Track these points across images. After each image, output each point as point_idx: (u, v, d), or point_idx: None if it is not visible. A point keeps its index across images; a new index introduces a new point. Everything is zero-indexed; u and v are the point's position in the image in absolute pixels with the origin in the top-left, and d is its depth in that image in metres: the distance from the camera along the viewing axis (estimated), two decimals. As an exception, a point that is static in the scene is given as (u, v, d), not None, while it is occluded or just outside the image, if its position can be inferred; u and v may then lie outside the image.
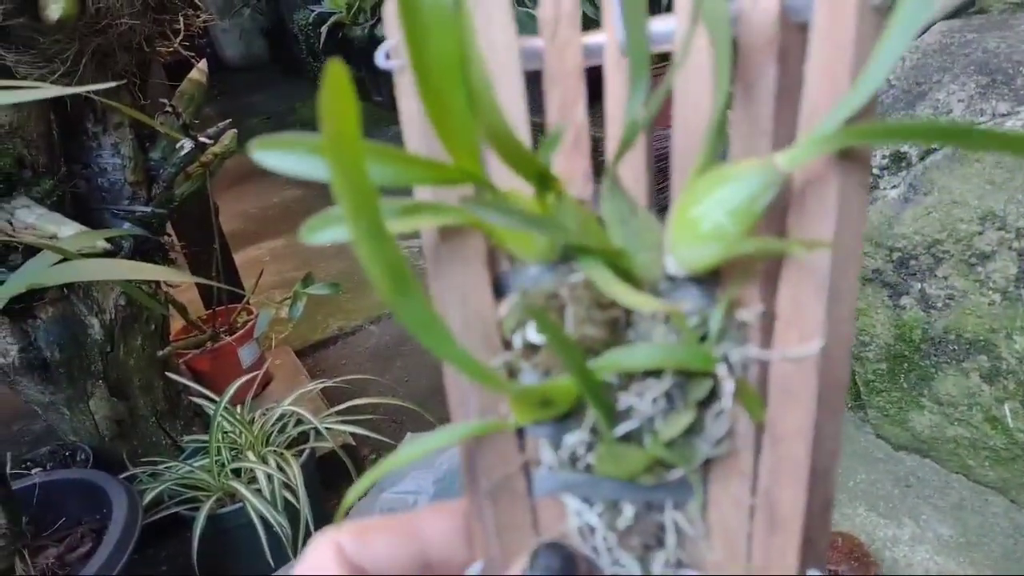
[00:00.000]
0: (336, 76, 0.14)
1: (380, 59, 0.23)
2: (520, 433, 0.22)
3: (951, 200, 1.03)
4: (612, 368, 0.20)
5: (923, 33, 1.17)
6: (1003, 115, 0.98)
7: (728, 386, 0.20)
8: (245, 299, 1.64)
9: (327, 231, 0.21)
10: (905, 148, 1.09)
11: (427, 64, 0.16)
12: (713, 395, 0.20)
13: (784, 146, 0.19)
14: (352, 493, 0.22)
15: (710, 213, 0.19)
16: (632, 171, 0.22)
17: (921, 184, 1.07)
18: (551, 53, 0.23)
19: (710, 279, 0.20)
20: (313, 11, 4.09)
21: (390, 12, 0.22)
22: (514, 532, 0.22)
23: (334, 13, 3.76)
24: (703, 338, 0.20)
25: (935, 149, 1.06)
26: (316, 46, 4.39)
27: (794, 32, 0.20)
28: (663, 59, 0.23)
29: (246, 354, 1.55)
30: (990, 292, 1.03)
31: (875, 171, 1.13)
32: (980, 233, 1.02)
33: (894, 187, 1.11)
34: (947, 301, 1.09)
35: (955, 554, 1.08)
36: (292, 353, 1.76)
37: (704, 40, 0.21)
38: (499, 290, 0.22)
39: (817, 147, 0.18)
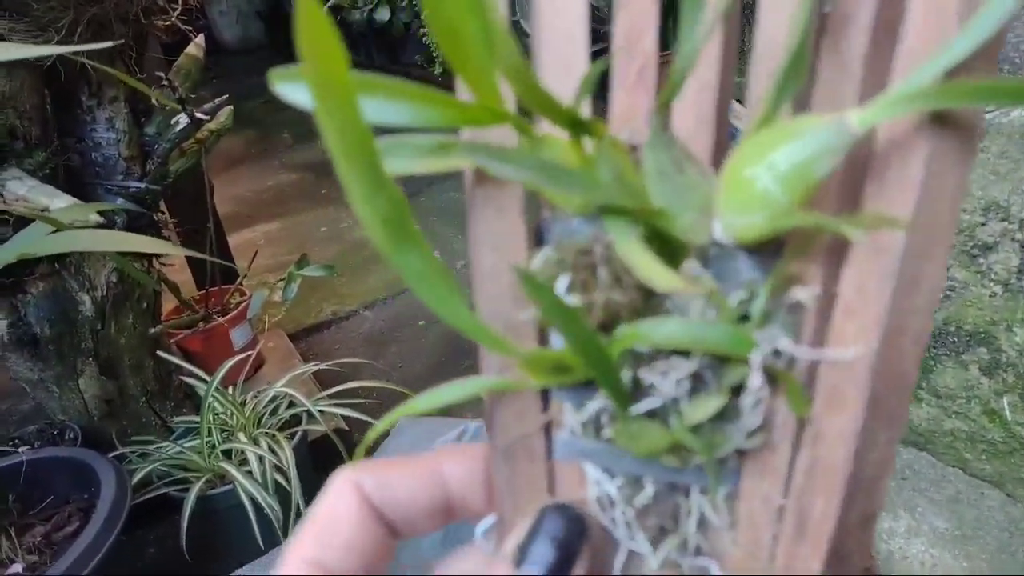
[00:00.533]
0: (310, 8, 0.13)
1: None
2: (545, 393, 0.21)
3: (956, 191, 1.02)
4: (634, 339, 0.18)
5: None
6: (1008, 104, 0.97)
7: (756, 378, 0.18)
8: (239, 280, 1.62)
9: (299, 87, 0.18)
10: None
11: (439, 5, 0.15)
12: (742, 380, 0.18)
13: (873, 97, 0.16)
14: (372, 433, 0.22)
15: (761, 176, 0.16)
16: (695, 114, 0.19)
17: (925, 174, 1.06)
18: None
19: (768, 250, 0.17)
20: (311, -5, 4.06)
21: None
22: (528, 492, 0.21)
23: (332, -4, 3.73)
24: (745, 317, 0.18)
25: (941, 139, 1.05)
26: (313, 30, 4.36)
27: None
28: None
29: (238, 336, 1.53)
30: (991, 284, 1.03)
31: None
32: (983, 224, 1.01)
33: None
34: (947, 292, 1.08)
35: (950, 547, 1.07)
36: (285, 336, 1.74)
37: None
38: (540, 239, 0.20)
39: (905, 104, 0.15)
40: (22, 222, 1.04)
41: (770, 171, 0.16)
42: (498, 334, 0.20)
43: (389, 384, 1.29)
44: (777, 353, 0.18)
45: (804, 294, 0.17)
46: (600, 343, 0.18)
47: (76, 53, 1.07)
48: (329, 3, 3.63)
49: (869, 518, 0.19)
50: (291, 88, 0.17)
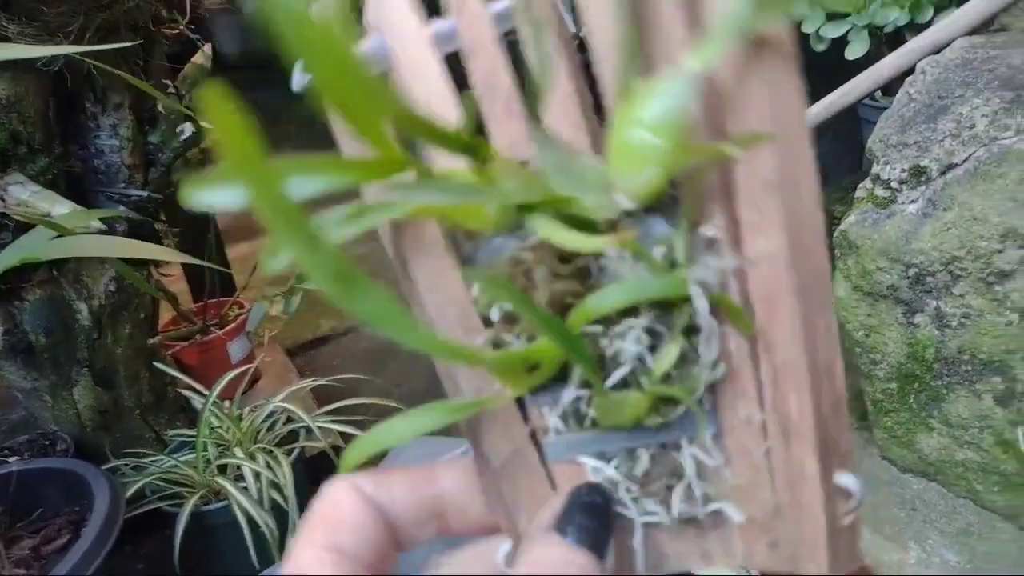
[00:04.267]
0: (217, 103, 0.14)
1: (295, 83, 0.23)
2: (521, 404, 0.22)
3: (971, 216, 1.01)
4: (586, 317, 0.19)
5: (944, 48, 1.16)
6: (1028, 132, 0.96)
7: (701, 304, 0.19)
8: (237, 293, 1.60)
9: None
10: (925, 162, 1.07)
11: (318, 72, 0.16)
12: (694, 319, 0.20)
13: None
14: (348, 461, 0.21)
15: (638, 134, 0.18)
16: (566, 116, 0.21)
17: (940, 199, 1.05)
18: (464, 28, 0.22)
19: (671, 205, 0.20)
20: (316, 12, 4.08)
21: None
22: (536, 502, 0.22)
23: (338, 14, 3.74)
24: (673, 265, 0.19)
25: (956, 164, 1.04)
26: (317, 47, 4.37)
27: None
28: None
29: (236, 349, 1.50)
30: (1008, 312, 1.01)
31: (893, 185, 1.11)
32: (1000, 251, 0.99)
33: (912, 202, 1.08)
34: (963, 320, 1.06)
35: (963, 580, 1.05)
36: (282, 351, 1.72)
37: None
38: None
39: (726, 40, 0.17)
40: (21, 228, 1.02)
41: (647, 127, 0.18)
42: (465, 346, 0.21)
43: (389, 401, 1.27)
44: (704, 285, 0.19)
45: (712, 230, 0.19)
46: (562, 322, 0.19)
47: (83, 57, 1.06)
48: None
49: (839, 402, 0.20)
50: (209, 194, 0.17)
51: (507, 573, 0.21)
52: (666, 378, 0.20)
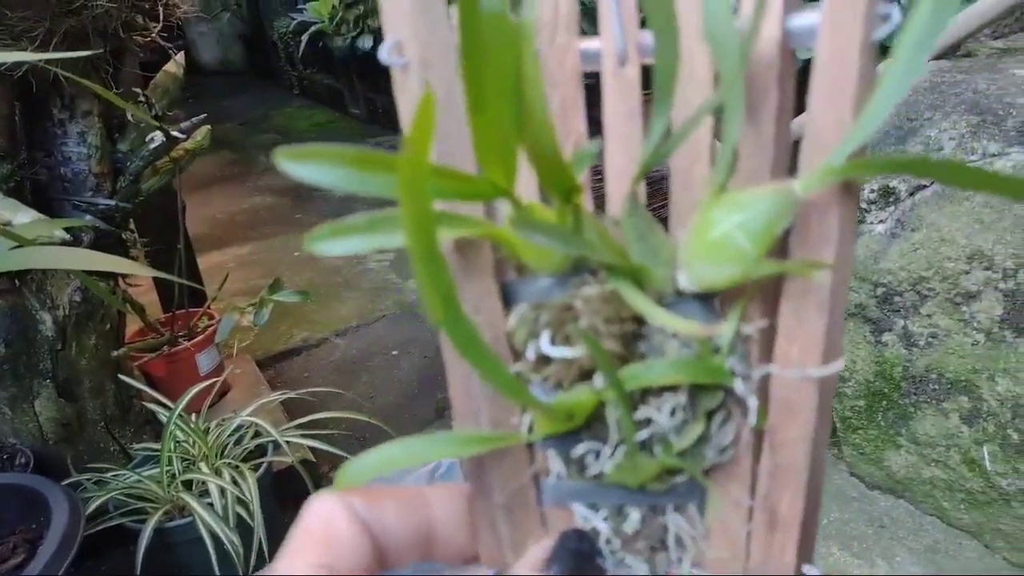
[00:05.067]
0: (426, 107, 0.15)
1: (383, 55, 0.22)
2: (528, 446, 0.22)
3: (939, 237, 1.02)
4: (635, 383, 0.20)
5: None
6: (993, 155, 0.98)
7: (752, 403, 0.20)
8: (207, 303, 1.57)
9: (339, 242, 0.20)
10: (894, 183, 1.09)
11: (482, 80, 0.16)
12: (720, 406, 0.21)
13: (780, 166, 0.21)
14: (344, 479, 0.21)
15: (732, 237, 0.19)
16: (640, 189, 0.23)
17: (909, 220, 1.06)
18: (549, 57, 0.23)
19: (709, 296, 0.21)
20: (294, 19, 4.05)
21: (387, 9, 0.22)
22: (528, 539, 0.22)
23: (316, 22, 3.73)
24: (715, 351, 0.21)
25: (924, 185, 1.05)
26: (295, 55, 4.34)
27: (789, 57, 0.20)
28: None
29: (204, 360, 1.48)
30: (974, 332, 1.02)
31: (863, 205, 1.12)
32: (967, 272, 1.01)
33: (881, 222, 1.10)
34: (930, 339, 1.08)
35: (929, 599, 1.06)
36: (253, 363, 1.69)
37: (704, 59, 0.21)
38: (505, 299, 0.22)
39: (828, 177, 0.19)
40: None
41: (743, 231, 0.19)
42: (526, 390, 0.21)
43: (360, 415, 1.25)
44: (747, 380, 0.21)
45: (752, 328, 0.21)
46: (622, 384, 0.20)
47: (50, 64, 1.04)
48: (311, 30, 3.63)
49: (817, 504, 0.22)
50: (297, 166, 0.19)
51: None
52: (680, 453, 0.21)
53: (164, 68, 1.33)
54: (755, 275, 0.20)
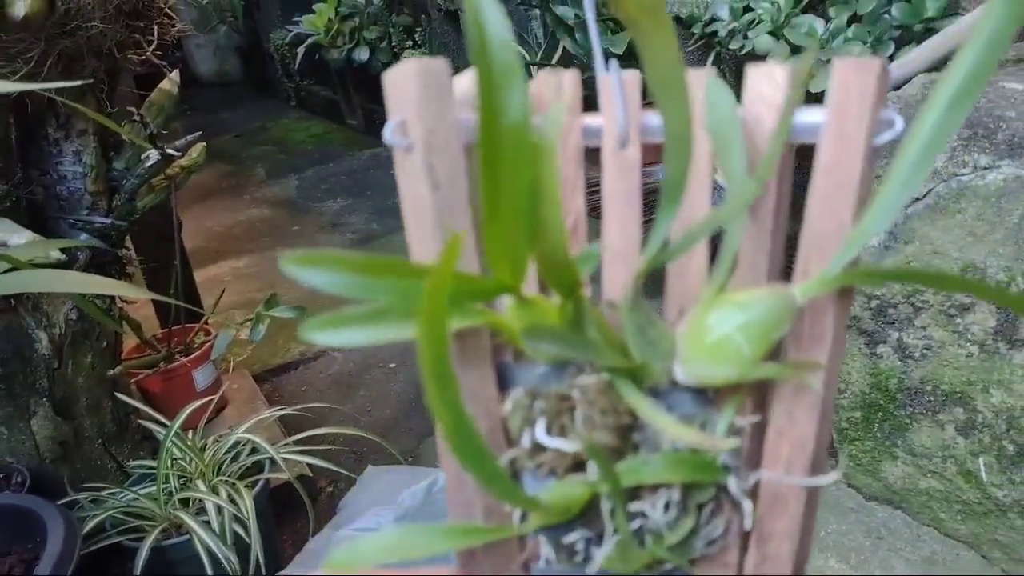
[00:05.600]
0: (452, 248, 0.15)
1: (387, 135, 0.23)
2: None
3: (932, 250, 1.03)
4: (631, 479, 0.21)
5: (904, 84, 1.18)
6: (984, 168, 0.99)
7: (747, 506, 0.21)
8: (204, 319, 1.57)
9: (336, 334, 0.20)
10: (886, 196, 1.09)
11: (499, 189, 0.17)
12: (712, 498, 0.21)
13: (776, 260, 0.21)
14: (336, 559, 0.21)
15: (732, 339, 0.20)
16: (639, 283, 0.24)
17: (902, 233, 1.07)
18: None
19: (702, 389, 0.21)
20: (291, 31, 4.06)
21: (393, 92, 0.22)
22: None
23: (312, 35, 3.74)
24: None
25: (917, 198, 1.06)
26: (292, 67, 4.35)
27: (790, 153, 0.21)
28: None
29: (201, 377, 1.48)
30: (968, 344, 1.03)
31: (856, 217, 1.13)
32: (960, 284, 1.01)
33: (875, 235, 1.10)
34: (924, 351, 1.08)
35: (927, 611, 1.06)
36: (250, 377, 1.69)
37: (705, 149, 0.21)
38: (501, 382, 0.23)
39: (829, 284, 0.20)
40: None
41: (743, 333, 0.20)
42: (520, 491, 0.22)
43: (357, 430, 1.25)
44: (740, 477, 0.21)
45: (744, 422, 0.21)
46: (621, 486, 0.20)
47: (45, 88, 1.04)
48: (308, 42, 3.64)
49: None
50: (303, 272, 0.19)
51: None
52: (670, 547, 0.21)
53: (159, 86, 1.33)
54: (751, 377, 0.20)
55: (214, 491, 1.07)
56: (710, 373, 0.21)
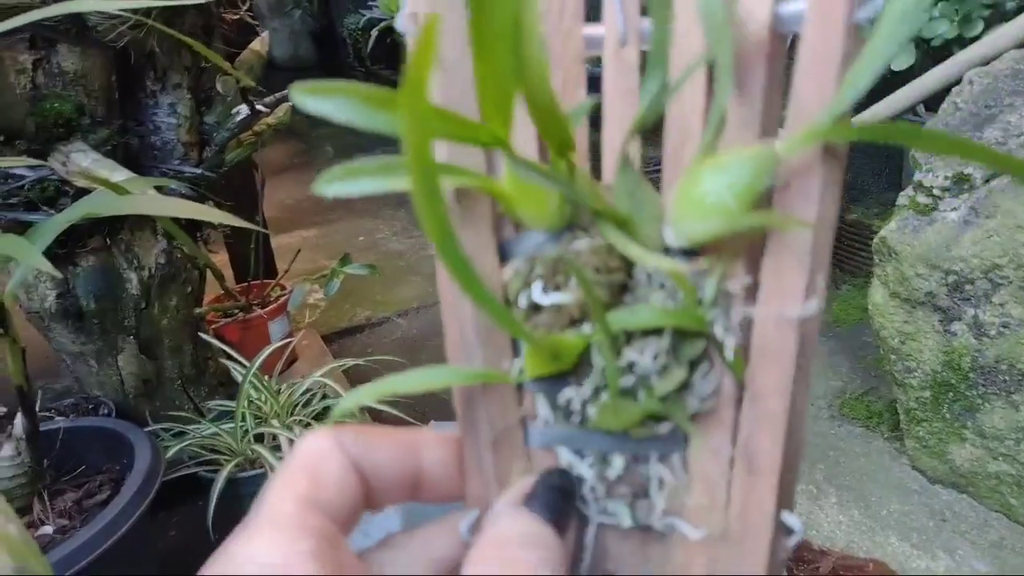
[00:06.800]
0: (429, 30, 0.16)
1: (399, 23, 0.24)
2: (517, 389, 0.24)
3: (1015, 224, 1.01)
4: (620, 325, 0.22)
5: (994, 60, 1.16)
6: (1076, 142, 0.96)
7: (730, 342, 0.22)
8: (279, 276, 1.63)
9: (350, 184, 0.21)
10: (969, 170, 1.07)
11: (485, 27, 0.18)
12: (702, 356, 0.22)
13: (766, 136, 0.22)
14: (348, 401, 0.23)
15: (716, 192, 0.21)
16: (633, 148, 0.24)
17: (983, 207, 1.05)
18: (555, 40, 0.25)
19: (694, 253, 0.22)
20: (364, 16, 4.14)
21: None
22: (513, 479, 0.23)
23: (385, 18, 3.80)
24: (699, 304, 0.22)
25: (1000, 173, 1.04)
26: (364, 50, 4.44)
27: (779, 40, 0.22)
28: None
29: (276, 329, 1.54)
30: (1048, 322, 1.00)
31: (936, 192, 1.11)
32: (1043, 260, 0.99)
33: (954, 209, 1.08)
34: (1001, 329, 1.06)
35: (992, 591, 1.04)
36: (319, 337, 1.75)
37: (698, 40, 0.23)
38: (502, 256, 0.24)
39: (810, 139, 0.20)
40: (81, 195, 1.06)
41: (726, 188, 0.21)
42: (517, 319, 0.23)
43: (391, 409, 1.29)
44: (728, 328, 0.22)
45: (734, 284, 0.22)
46: (610, 325, 0.21)
47: (148, 35, 1.10)
48: (380, 26, 3.71)
49: (798, 454, 0.22)
50: (314, 100, 0.20)
51: (470, 542, 0.22)
52: (663, 399, 0.22)
53: (250, 46, 1.39)
54: (738, 227, 0.21)
55: (288, 429, 1.12)
56: (697, 228, 0.21)
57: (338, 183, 0.21)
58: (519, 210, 0.23)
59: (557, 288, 0.22)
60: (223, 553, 0.20)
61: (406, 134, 0.16)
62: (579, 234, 0.23)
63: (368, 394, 0.23)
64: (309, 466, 0.22)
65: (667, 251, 0.22)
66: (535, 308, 0.23)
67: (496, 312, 0.20)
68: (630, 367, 0.22)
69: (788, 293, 0.21)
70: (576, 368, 0.22)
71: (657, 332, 0.22)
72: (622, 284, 0.22)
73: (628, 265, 0.23)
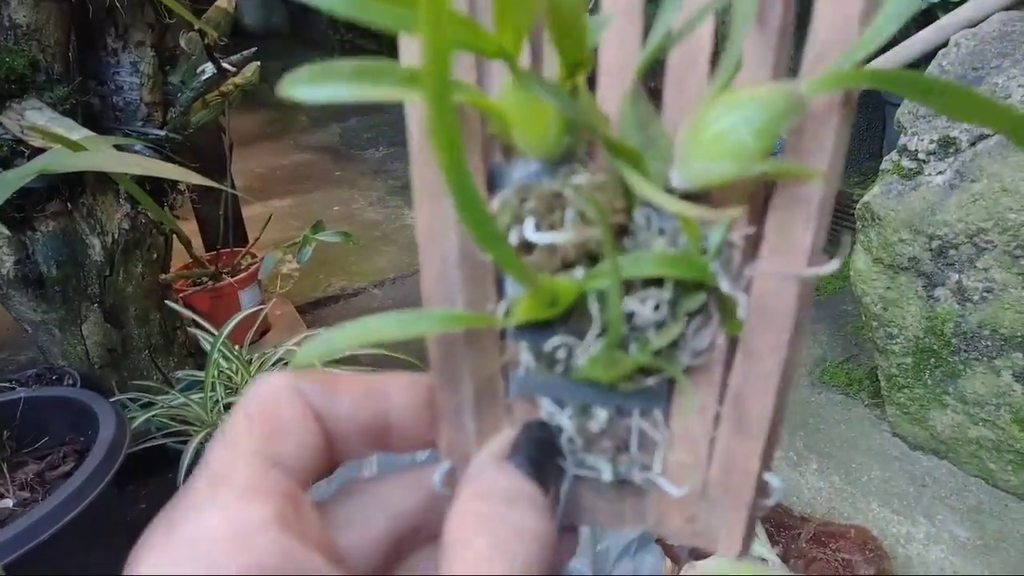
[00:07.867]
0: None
1: None
2: (501, 335, 0.22)
3: (1000, 188, 0.99)
4: (625, 272, 0.20)
5: (981, 22, 1.14)
6: (1064, 103, 0.95)
7: (742, 300, 0.21)
8: (250, 244, 1.59)
9: (320, 87, 0.18)
10: (955, 133, 1.06)
11: None
12: (700, 310, 0.21)
13: (779, 76, 0.20)
14: (312, 345, 0.20)
15: (735, 130, 0.19)
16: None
17: (969, 170, 1.03)
18: None
19: (697, 199, 0.21)
20: (338, -19, 4.05)
21: None
22: (492, 430, 0.22)
23: (360, -16, 3.72)
24: (701, 253, 0.21)
25: (988, 135, 1.02)
26: (338, 19, 4.34)
27: None
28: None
29: (247, 298, 1.50)
30: (1033, 286, 1.00)
31: (921, 156, 1.09)
32: (1028, 224, 0.98)
33: (940, 173, 1.07)
34: (984, 294, 1.05)
35: (971, 556, 1.04)
36: (292, 306, 1.71)
37: None
38: (489, 184, 0.22)
39: (834, 82, 0.19)
40: (38, 154, 1.01)
41: (747, 125, 0.19)
42: (518, 258, 0.20)
43: (395, 353, 1.26)
44: (733, 281, 0.21)
45: (737, 235, 0.21)
46: (620, 270, 0.20)
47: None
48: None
49: (783, 415, 0.22)
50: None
51: (444, 494, 0.20)
52: (656, 353, 0.21)
53: (216, 3, 1.33)
54: (750, 174, 0.19)
55: (259, 398, 1.09)
56: (707, 171, 0.20)
57: (305, 86, 0.18)
58: (516, 132, 0.21)
59: (552, 228, 0.20)
60: (165, 526, 0.17)
61: (425, 38, 0.14)
62: (577, 168, 0.21)
63: (340, 339, 0.19)
64: (263, 415, 0.19)
65: (671, 194, 0.20)
66: (526, 246, 0.21)
67: (495, 247, 0.18)
68: (629, 318, 0.20)
69: (793, 250, 0.20)
70: (566, 316, 0.21)
71: (658, 282, 0.20)
72: (622, 227, 0.21)
73: (629, 207, 0.21)
